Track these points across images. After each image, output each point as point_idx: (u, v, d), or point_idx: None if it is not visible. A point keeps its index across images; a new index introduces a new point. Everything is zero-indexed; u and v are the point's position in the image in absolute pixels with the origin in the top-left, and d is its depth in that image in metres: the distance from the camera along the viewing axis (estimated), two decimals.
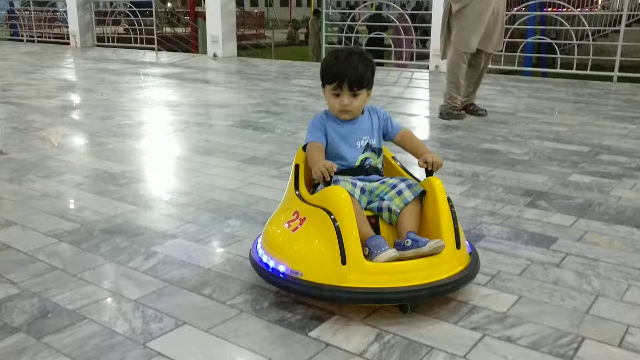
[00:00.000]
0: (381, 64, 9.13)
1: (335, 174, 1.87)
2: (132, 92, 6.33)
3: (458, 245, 1.77)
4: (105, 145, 3.89)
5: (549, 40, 8.04)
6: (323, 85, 1.98)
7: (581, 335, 1.64)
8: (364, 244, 1.72)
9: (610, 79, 7.18)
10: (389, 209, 1.85)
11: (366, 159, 1.98)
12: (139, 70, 8.21)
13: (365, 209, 1.87)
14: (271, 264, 1.81)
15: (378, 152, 2.02)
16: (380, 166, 2.04)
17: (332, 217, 1.70)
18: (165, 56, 10.41)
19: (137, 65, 8.86)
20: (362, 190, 1.88)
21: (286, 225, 1.85)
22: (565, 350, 1.56)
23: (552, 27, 8.17)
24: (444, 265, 1.72)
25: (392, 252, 1.68)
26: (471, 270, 1.80)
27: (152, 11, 11.02)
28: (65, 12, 12.17)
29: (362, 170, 1.97)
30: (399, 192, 1.86)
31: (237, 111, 5.20)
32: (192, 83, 7.09)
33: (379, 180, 1.96)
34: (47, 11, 13.24)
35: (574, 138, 4.11)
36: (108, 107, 5.34)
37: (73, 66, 9.16)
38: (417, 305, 1.73)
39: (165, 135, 4.28)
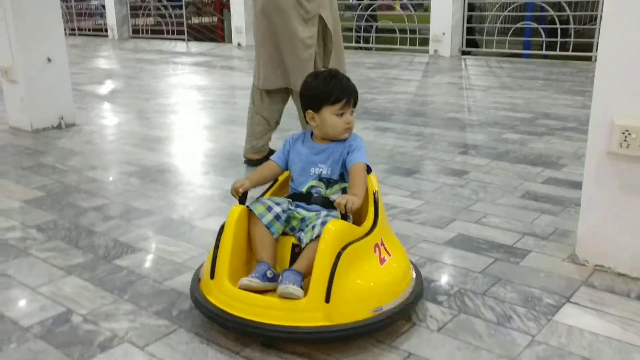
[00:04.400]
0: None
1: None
2: (167, 78, 7.45)
3: (327, 299, 1.62)
4: (151, 119, 5.00)
5: (534, 25, 8.90)
6: (318, 109, 1.90)
7: (455, 218, 2.66)
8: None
9: (589, 59, 8.03)
10: (302, 241, 1.80)
11: (312, 187, 1.92)
12: (172, 59, 9.33)
13: (296, 236, 1.85)
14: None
15: (327, 182, 1.92)
16: (335, 197, 1.84)
17: (219, 234, 1.80)
18: (194, 46, 11.53)
19: (170, 55, 9.98)
20: (277, 217, 1.83)
21: None
22: (442, 225, 2.58)
23: (537, 14, 9.06)
24: (299, 313, 1.63)
25: (245, 280, 1.70)
26: (345, 330, 1.64)
27: (181, 4, 12.14)
28: (103, 6, 13.39)
29: (307, 197, 1.91)
30: (313, 226, 1.76)
31: None
32: (219, 70, 8.17)
33: (317, 211, 1.87)
34: (86, 7, 14.48)
35: (525, 108, 5.06)
36: (149, 91, 6.46)
37: (114, 57, 10.32)
38: (269, 342, 1.71)
39: (196, 111, 5.36)
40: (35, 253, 2.39)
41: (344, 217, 1.75)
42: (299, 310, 1.64)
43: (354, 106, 1.94)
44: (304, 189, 1.92)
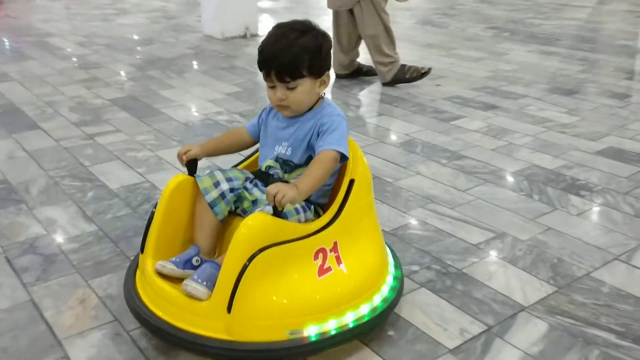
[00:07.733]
0: None
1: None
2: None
3: (229, 309, 1.29)
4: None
5: None
6: None
7: (609, 133, 2.83)
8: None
9: None
10: None
11: (269, 167, 1.56)
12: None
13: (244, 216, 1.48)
14: None
15: (284, 164, 1.53)
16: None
17: (155, 205, 1.51)
18: None
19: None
20: (223, 195, 1.51)
21: None
22: (595, 138, 2.77)
23: None
24: (197, 318, 1.33)
25: (159, 265, 1.44)
26: (242, 352, 1.31)
27: None
28: None
29: (265, 176, 1.57)
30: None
31: (419, 13, 6.47)
32: None
33: None
34: None
35: None
36: (318, 7, 6.88)
37: None
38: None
39: None
40: None
41: (276, 211, 1.33)
42: (197, 314, 1.33)
43: (285, 80, 1.43)
44: (263, 167, 1.58)
